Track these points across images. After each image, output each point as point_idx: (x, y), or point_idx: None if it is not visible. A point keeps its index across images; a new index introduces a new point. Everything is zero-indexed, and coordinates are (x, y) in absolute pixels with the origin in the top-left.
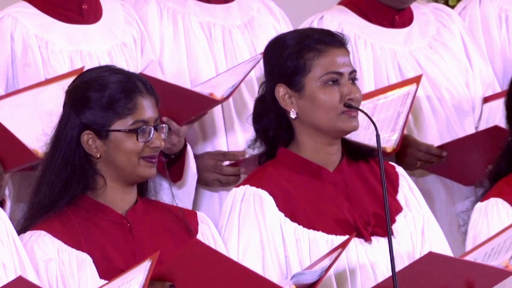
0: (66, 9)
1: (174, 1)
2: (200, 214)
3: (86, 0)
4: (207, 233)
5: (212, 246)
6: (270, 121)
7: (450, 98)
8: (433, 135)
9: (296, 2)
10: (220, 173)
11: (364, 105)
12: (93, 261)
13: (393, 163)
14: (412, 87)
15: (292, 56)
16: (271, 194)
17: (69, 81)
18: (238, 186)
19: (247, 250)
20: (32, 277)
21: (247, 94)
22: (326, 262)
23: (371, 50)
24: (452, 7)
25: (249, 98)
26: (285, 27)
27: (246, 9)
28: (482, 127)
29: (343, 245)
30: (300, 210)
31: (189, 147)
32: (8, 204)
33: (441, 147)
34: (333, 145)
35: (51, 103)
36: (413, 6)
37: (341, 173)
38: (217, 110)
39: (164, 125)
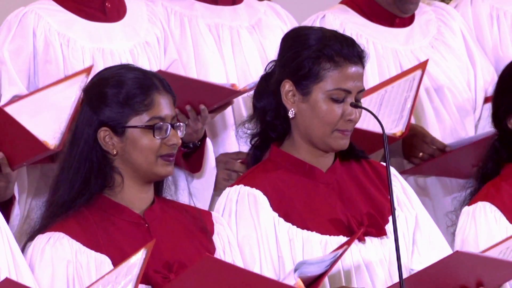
0: (89, 6)
1: (181, 4)
2: (215, 215)
3: None
4: (222, 234)
5: (227, 247)
6: (270, 104)
7: (452, 97)
8: (435, 134)
9: (300, 2)
10: (231, 169)
11: (372, 97)
12: (112, 263)
13: (384, 164)
14: (418, 72)
15: (309, 60)
16: (265, 194)
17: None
18: (232, 185)
19: (244, 249)
20: (28, 281)
21: None
22: (332, 255)
23: (374, 49)
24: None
25: None
26: None
27: (253, 11)
28: (482, 126)
29: (349, 242)
30: (293, 210)
31: (208, 139)
32: (16, 202)
33: (430, 162)
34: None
35: (65, 101)
36: None
37: (334, 173)
38: (227, 112)
39: (181, 123)
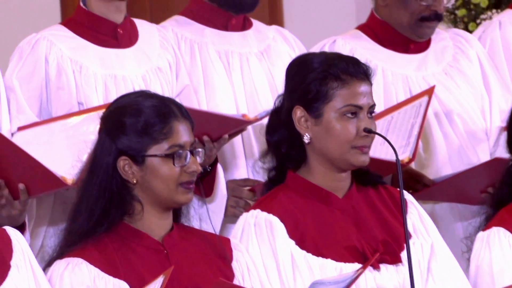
0: (101, 33)
1: (191, 31)
2: (234, 241)
3: (121, 24)
4: (241, 260)
5: (246, 273)
6: (283, 136)
7: (463, 124)
8: (444, 160)
9: (309, 29)
10: (238, 196)
11: (379, 123)
12: None
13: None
14: (425, 98)
15: (316, 82)
16: (281, 220)
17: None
18: (248, 210)
19: (261, 274)
20: None
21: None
22: (350, 274)
23: (382, 75)
24: (471, 32)
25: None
26: None
27: (262, 37)
28: (499, 152)
29: (364, 267)
30: (309, 237)
31: (219, 164)
32: (27, 228)
33: (440, 183)
34: (343, 172)
35: (83, 134)
36: None
37: (350, 199)
38: (237, 141)
39: (200, 149)
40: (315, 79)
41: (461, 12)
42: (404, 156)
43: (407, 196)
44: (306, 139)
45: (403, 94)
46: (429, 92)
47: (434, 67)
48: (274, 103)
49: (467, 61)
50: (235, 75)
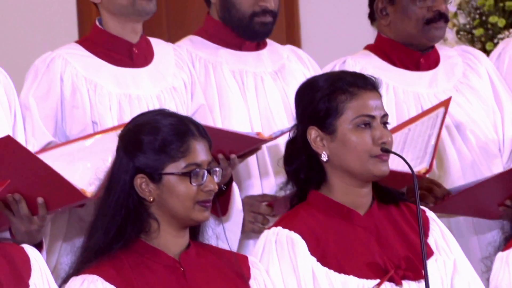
0: (116, 52)
1: (205, 51)
2: (251, 259)
3: (137, 44)
4: (258, 278)
5: None
6: (301, 163)
7: (476, 140)
8: (458, 177)
9: (327, 50)
10: (256, 211)
11: (396, 136)
12: None
13: (424, 208)
14: (441, 109)
15: (324, 99)
16: (303, 237)
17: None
18: (269, 228)
19: None
20: None
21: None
22: None
23: (393, 93)
24: (489, 52)
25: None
26: (314, 74)
27: (277, 56)
28: None
29: (380, 283)
30: (330, 253)
31: (234, 183)
32: (45, 246)
33: (455, 196)
34: (364, 188)
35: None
36: (440, 48)
37: (371, 216)
38: (252, 160)
39: (217, 168)
40: (323, 96)
41: (478, 32)
42: (421, 167)
43: (429, 213)
44: (324, 157)
45: (415, 112)
46: (446, 103)
47: (445, 84)
48: (289, 134)
49: (477, 77)
50: (249, 95)
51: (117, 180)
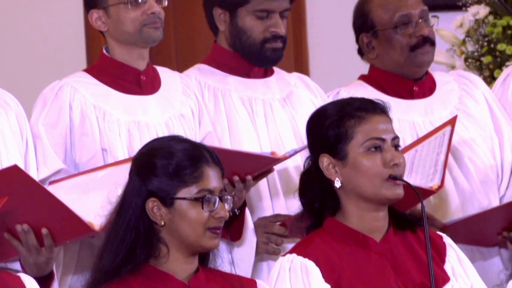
0: (124, 79)
1: (214, 78)
2: (259, 283)
3: (144, 71)
4: None
5: None
6: (315, 192)
7: (473, 167)
8: (455, 205)
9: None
10: (270, 232)
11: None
12: None
13: (441, 233)
14: (448, 128)
15: (333, 125)
16: (317, 264)
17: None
18: (284, 255)
19: None
20: None
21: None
22: None
23: None
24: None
25: (290, 163)
26: (322, 102)
27: (284, 83)
28: (510, 195)
29: None
30: (345, 280)
31: (247, 208)
32: (56, 277)
33: (453, 226)
34: (379, 212)
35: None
36: (435, 74)
37: (387, 242)
38: (262, 183)
39: (229, 196)
40: (332, 123)
41: (486, 59)
42: (433, 183)
43: (446, 239)
44: (337, 183)
45: (410, 140)
46: (452, 122)
47: (441, 111)
48: (303, 166)
49: (474, 102)
50: (259, 121)
51: (129, 203)
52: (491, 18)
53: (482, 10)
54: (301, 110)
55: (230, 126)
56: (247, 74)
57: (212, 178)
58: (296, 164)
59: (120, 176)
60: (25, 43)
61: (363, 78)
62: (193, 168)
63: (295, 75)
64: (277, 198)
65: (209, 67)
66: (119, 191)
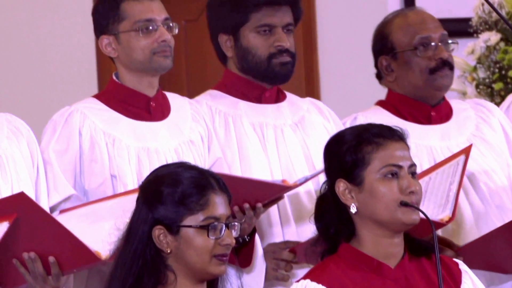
0: (134, 106)
1: (225, 104)
2: None
3: (154, 98)
4: None
5: None
6: (331, 217)
7: (489, 192)
8: (472, 230)
9: (346, 102)
10: (279, 258)
11: None
12: None
13: (457, 260)
14: (462, 157)
15: (351, 150)
16: None
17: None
18: (298, 280)
19: None
20: None
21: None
22: None
23: None
24: None
25: (301, 188)
26: (335, 127)
27: (296, 109)
28: None
29: None
30: None
31: (257, 234)
32: None
33: (467, 246)
34: (395, 238)
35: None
36: (452, 102)
37: (402, 269)
38: (273, 210)
39: (236, 223)
40: (349, 148)
41: (498, 86)
42: (444, 214)
43: (462, 266)
44: (353, 209)
45: (427, 165)
46: (466, 151)
47: (458, 137)
48: (320, 190)
49: (490, 130)
50: (270, 147)
51: (136, 230)
52: (502, 44)
53: (493, 37)
54: (313, 135)
55: (241, 151)
56: (258, 99)
57: (219, 205)
58: (307, 190)
59: (129, 205)
60: (37, 69)
61: (380, 103)
62: (199, 196)
63: (308, 100)
64: (287, 225)
65: (220, 92)
66: (127, 219)
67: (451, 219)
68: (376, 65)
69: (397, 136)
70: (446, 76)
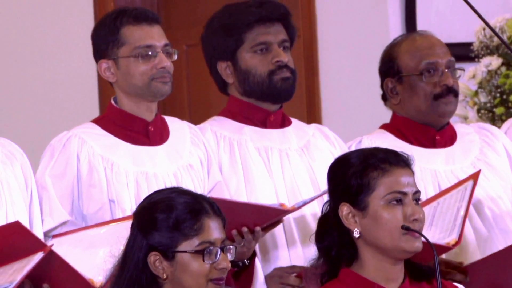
0: (132, 130)
1: (229, 129)
2: None
3: (152, 122)
4: None
5: None
6: (332, 239)
7: (493, 216)
8: (475, 254)
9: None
10: (285, 283)
11: (425, 210)
12: None
13: (457, 284)
14: (470, 182)
15: (357, 175)
16: None
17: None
18: None
19: None
20: None
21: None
22: None
23: None
24: None
25: (307, 211)
26: (341, 152)
27: (302, 134)
28: None
29: None
30: None
31: (257, 258)
32: None
33: (473, 265)
34: (397, 265)
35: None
36: (456, 126)
37: None
38: (278, 231)
39: (231, 246)
40: (355, 172)
41: (499, 110)
42: (450, 238)
43: None
44: (356, 233)
45: (432, 189)
46: (475, 176)
47: (462, 161)
48: (321, 211)
49: (495, 154)
50: (275, 171)
51: (131, 257)
52: (503, 69)
53: (494, 61)
54: (319, 159)
55: (246, 176)
56: (263, 124)
57: (213, 230)
58: (313, 212)
59: (123, 232)
60: (37, 93)
61: (385, 127)
62: (193, 221)
63: (314, 125)
64: (294, 247)
65: (225, 118)
66: (122, 246)
67: (457, 243)
68: (382, 87)
69: (402, 162)
70: (450, 103)
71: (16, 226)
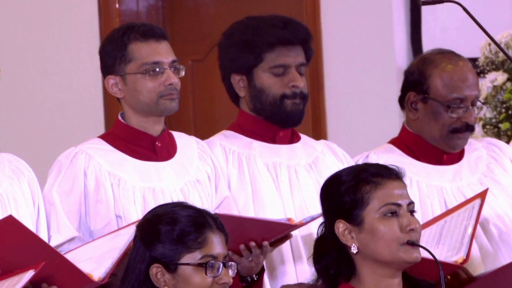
0: (139, 146)
1: (238, 144)
2: None
3: (160, 137)
4: None
5: None
6: (330, 259)
7: (499, 233)
8: (480, 269)
9: (353, 143)
10: None
11: (432, 228)
12: None
13: None
14: (477, 201)
15: (349, 191)
16: None
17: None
18: None
19: None
20: None
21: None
22: None
23: (417, 187)
24: None
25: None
26: None
27: (311, 150)
28: None
29: None
30: None
31: (265, 274)
32: None
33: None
34: (395, 278)
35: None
36: None
37: None
38: (285, 247)
39: (232, 263)
40: (348, 189)
41: (504, 126)
42: (458, 257)
43: None
44: (353, 249)
45: (438, 206)
46: (482, 195)
47: (469, 178)
48: (317, 233)
49: (502, 170)
50: (283, 187)
51: (133, 268)
52: (509, 84)
53: (500, 77)
54: (327, 175)
55: (254, 191)
56: (272, 139)
57: (216, 244)
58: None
59: (125, 237)
60: (43, 111)
61: (393, 142)
62: (197, 234)
63: (322, 142)
64: (300, 263)
65: (234, 133)
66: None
67: (465, 261)
68: (402, 92)
69: (394, 175)
70: (464, 138)
71: (9, 221)
